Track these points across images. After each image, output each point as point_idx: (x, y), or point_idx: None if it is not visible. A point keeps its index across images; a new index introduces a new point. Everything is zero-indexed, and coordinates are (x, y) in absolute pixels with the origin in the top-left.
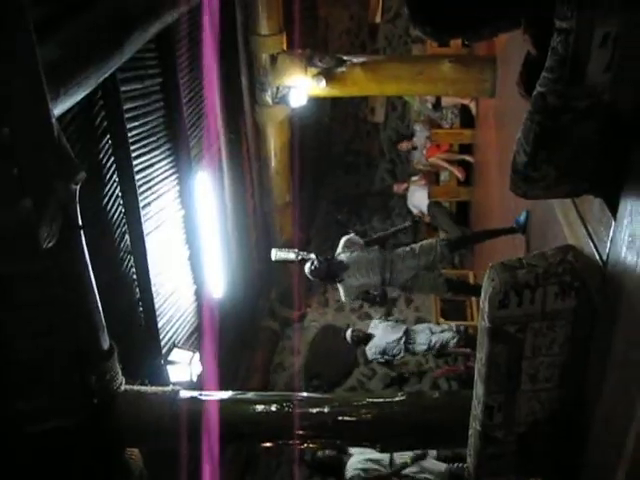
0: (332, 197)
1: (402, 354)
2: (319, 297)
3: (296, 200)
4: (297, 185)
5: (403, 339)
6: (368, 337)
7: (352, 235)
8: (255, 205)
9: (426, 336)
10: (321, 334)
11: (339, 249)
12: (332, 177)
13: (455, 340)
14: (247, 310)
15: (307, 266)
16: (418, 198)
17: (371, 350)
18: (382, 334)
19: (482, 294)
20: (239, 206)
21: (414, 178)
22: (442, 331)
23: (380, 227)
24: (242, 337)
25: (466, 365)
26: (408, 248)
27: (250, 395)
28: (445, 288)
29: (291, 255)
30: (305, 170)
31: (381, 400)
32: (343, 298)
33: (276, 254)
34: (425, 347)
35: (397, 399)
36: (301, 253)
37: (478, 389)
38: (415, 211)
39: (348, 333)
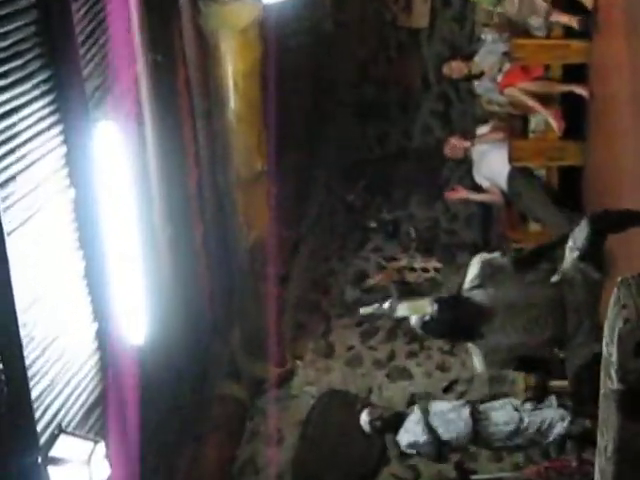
0: (337, 163)
1: (466, 439)
2: (316, 342)
3: (275, 169)
4: (276, 143)
5: (468, 417)
6: (400, 418)
7: (491, 255)
8: (201, 178)
9: (508, 414)
10: (321, 408)
11: (469, 278)
12: (338, 128)
13: (566, 423)
14: (190, 366)
15: (416, 318)
16: (491, 163)
17: (408, 437)
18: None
19: (606, 331)
20: (173, 181)
21: (483, 128)
22: (535, 409)
23: (424, 216)
24: (181, 414)
25: (580, 458)
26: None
27: None
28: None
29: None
30: (291, 116)
31: None
32: (478, 368)
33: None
34: (509, 429)
35: None
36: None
37: None
38: (486, 185)
39: (364, 417)
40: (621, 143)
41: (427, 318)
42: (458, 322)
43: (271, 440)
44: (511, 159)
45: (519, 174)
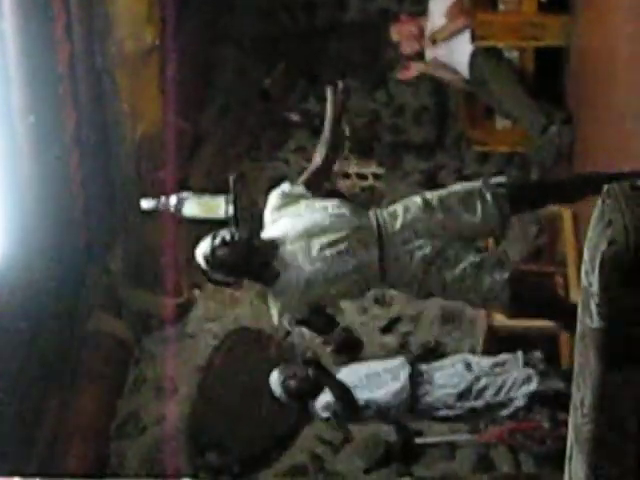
0: (251, 38)
1: (401, 409)
2: None
3: (170, 43)
4: (172, 9)
5: (406, 386)
6: (321, 379)
7: (288, 186)
8: (73, 54)
9: (459, 374)
10: (225, 351)
11: (268, 211)
12: None
13: (532, 386)
14: (57, 296)
15: (202, 245)
16: (449, 41)
17: (326, 398)
18: (354, 378)
19: (586, 255)
20: (37, 56)
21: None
22: (496, 365)
23: (361, 108)
24: (47, 357)
25: (554, 419)
26: (419, 202)
27: None
28: (506, 296)
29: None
30: None
31: None
32: (275, 319)
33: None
34: (459, 390)
35: None
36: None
37: (576, 464)
38: (446, 76)
39: (274, 377)
40: (615, 18)
41: (220, 242)
42: (249, 258)
43: (161, 390)
44: (475, 37)
45: (484, 56)
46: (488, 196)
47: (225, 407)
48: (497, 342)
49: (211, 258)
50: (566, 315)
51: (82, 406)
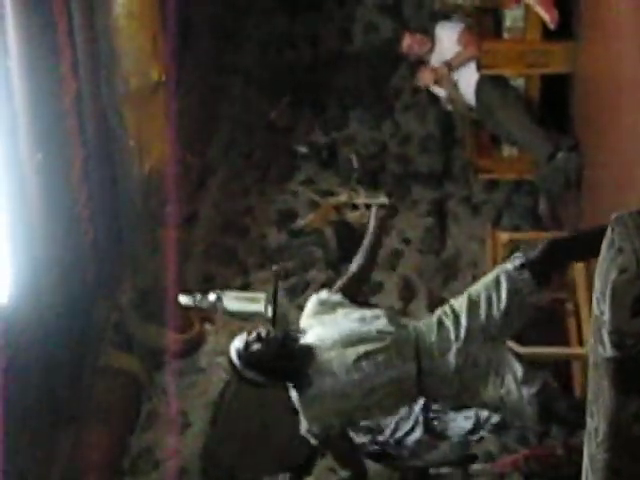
0: (257, 71)
1: (418, 435)
2: None
3: (175, 78)
4: (177, 45)
5: (418, 408)
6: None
7: (326, 294)
8: (80, 91)
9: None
10: (237, 385)
11: (305, 317)
12: (257, 24)
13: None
14: (67, 332)
15: (237, 339)
16: (456, 75)
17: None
18: None
19: (597, 283)
20: (43, 94)
21: (444, 28)
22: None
23: (368, 139)
24: (58, 393)
25: (567, 444)
26: (449, 311)
27: None
28: (535, 412)
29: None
30: (196, 11)
31: None
32: (303, 429)
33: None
34: (468, 425)
35: None
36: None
37: None
38: (444, 94)
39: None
40: (620, 43)
41: (255, 337)
42: (283, 360)
43: (174, 425)
44: (480, 66)
45: (490, 84)
46: (503, 280)
47: (238, 441)
48: None
49: (244, 352)
50: None
51: (94, 442)
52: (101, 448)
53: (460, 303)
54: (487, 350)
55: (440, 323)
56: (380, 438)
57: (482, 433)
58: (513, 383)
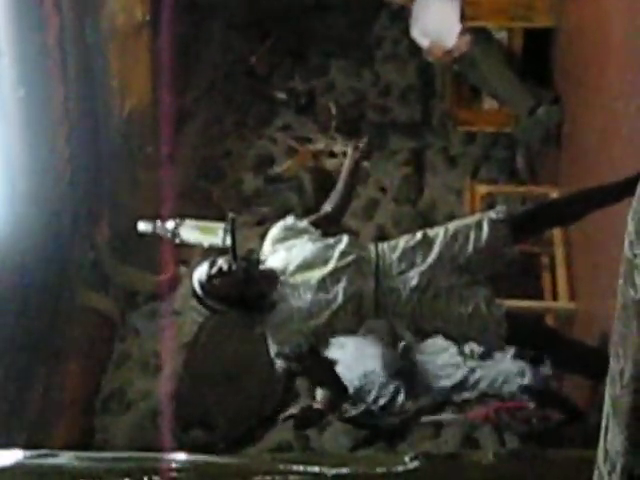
0: (238, 15)
1: (401, 400)
2: None
3: (159, 18)
4: None
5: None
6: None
7: (292, 220)
8: (63, 28)
9: (452, 364)
10: (212, 328)
11: (268, 242)
12: None
13: (527, 379)
14: (43, 271)
15: (199, 271)
16: (438, 16)
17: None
18: (355, 358)
19: (630, 226)
20: (26, 29)
21: None
22: (486, 358)
23: (348, 87)
24: (32, 332)
25: (542, 411)
26: (419, 235)
27: (58, 460)
28: (503, 331)
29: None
30: None
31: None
32: (272, 352)
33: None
34: (449, 383)
35: (402, 469)
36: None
37: (612, 436)
38: (426, 44)
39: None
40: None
41: (217, 271)
42: (247, 288)
43: (146, 367)
44: (463, 17)
45: (473, 37)
46: (485, 225)
47: (211, 384)
48: None
49: (206, 285)
50: (562, 347)
51: (67, 379)
52: (74, 386)
53: (436, 232)
54: (452, 279)
55: (406, 244)
56: (363, 407)
57: (466, 394)
58: (483, 302)
